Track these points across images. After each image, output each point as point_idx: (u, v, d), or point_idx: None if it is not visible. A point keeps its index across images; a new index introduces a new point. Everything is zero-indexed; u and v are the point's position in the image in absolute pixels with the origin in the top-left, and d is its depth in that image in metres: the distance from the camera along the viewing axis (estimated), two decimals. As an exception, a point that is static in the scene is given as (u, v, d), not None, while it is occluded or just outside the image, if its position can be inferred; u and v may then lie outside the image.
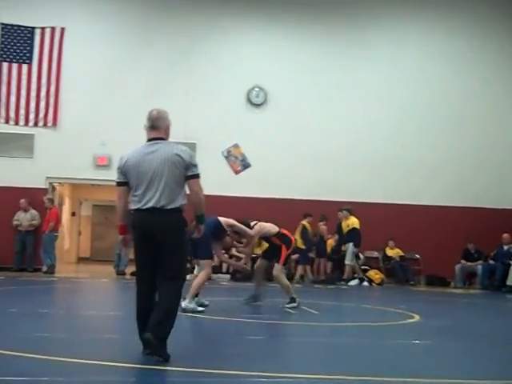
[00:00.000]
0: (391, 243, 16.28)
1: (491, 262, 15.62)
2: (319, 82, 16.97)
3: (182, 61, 16.53)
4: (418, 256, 16.51)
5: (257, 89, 16.87)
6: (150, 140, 5.18)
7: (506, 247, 15.57)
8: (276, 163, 16.47)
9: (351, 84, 17.05)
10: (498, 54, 17.51)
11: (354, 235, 14.82)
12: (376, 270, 15.80)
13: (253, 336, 6.57)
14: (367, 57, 17.20)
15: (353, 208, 15.10)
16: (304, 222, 15.24)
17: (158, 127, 5.19)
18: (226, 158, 16.66)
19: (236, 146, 16.65)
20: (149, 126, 5.22)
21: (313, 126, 16.80)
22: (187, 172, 5.04)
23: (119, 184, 5.19)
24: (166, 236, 4.98)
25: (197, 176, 5.10)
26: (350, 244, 14.84)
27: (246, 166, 16.70)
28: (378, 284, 15.43)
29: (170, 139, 5.21)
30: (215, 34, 16.86)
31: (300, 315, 8.57)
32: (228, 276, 15.23)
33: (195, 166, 5.08)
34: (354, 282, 14.99)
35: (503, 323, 9.08)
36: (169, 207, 5.00)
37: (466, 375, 4.88)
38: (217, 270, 15.21)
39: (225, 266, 15.38)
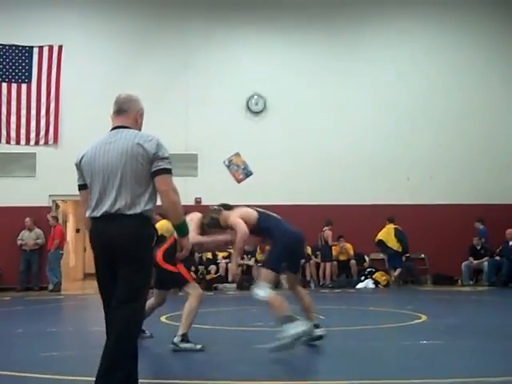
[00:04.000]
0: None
1: (497, 258, 15.61)
2: (318, 85, 17.01)
3: (179, 73, 16.60)
4: (423, 255, 16.50)
5: (256, 96, 16.92)
6: (113, 129, 4.16)
7: (510, 243, 15.54)
8: (278, 169, 16.48)
9: (350, 86, 17.07)
10: (493, 48, 17.49)
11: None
12: (382, 272, 15.78)
13: (263, 344, 6.52)
14: (365, 58, 17.19)
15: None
16: (396, 226, 15.33)
17: (124, 111, 4.15)
18: (228, 167, 16.70)
19: (237, 154, 16.70)
20: (114, 110, 4.18)
21: (313, 130, 16.82)
22: (152, 167, 3.95)
23: (79, 187, 4.21)
24: (123, 249, 3.89)
25: (165, 171, 3.96)
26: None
27: (247, 174, 16.74)
28: (385, 286, 15.43)
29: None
30: (211, 45, 16.92)
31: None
32: (234, 285, 15.22)
33: (164, 158, 3.97)
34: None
35: None
36: (128, 213, 3.92)
37: (477, 373, 4.88)
38: (223, 279, 15.24)
39: (230, 275, 15.38)
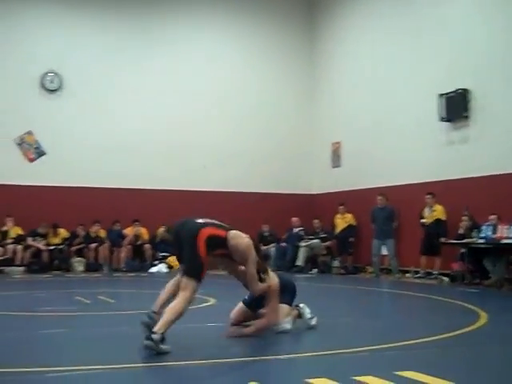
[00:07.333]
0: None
1: (283, 244, 16.62)
2: (118, 67, 16.87)
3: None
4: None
5: (51, 74, 16.30)
6: None
7: (295, 230, 16.64)
8: (74, 151, 16.15)
9: (148, 71, 17.16)
10: (275, 48, 18.42)
11: None
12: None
13: (48, 330, 6.41)
14: (164, 42, 17.38)
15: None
16: None
17: None
18: (19, 145, 15.94)
19: (29, 133, 16.00)
20: None
21: (112, 113, 16.70)
22: None
23: None
24: None
25: None
26: None
27: (40, 153, 16.10)
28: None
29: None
30: (7, 19, 16.01)
31: (96, 305, 8.53)
32: (21, 269, 14.58)
33: None
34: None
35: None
36: None
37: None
38: (9, 262, 14.54)
39: (19, 257, 14.71)
